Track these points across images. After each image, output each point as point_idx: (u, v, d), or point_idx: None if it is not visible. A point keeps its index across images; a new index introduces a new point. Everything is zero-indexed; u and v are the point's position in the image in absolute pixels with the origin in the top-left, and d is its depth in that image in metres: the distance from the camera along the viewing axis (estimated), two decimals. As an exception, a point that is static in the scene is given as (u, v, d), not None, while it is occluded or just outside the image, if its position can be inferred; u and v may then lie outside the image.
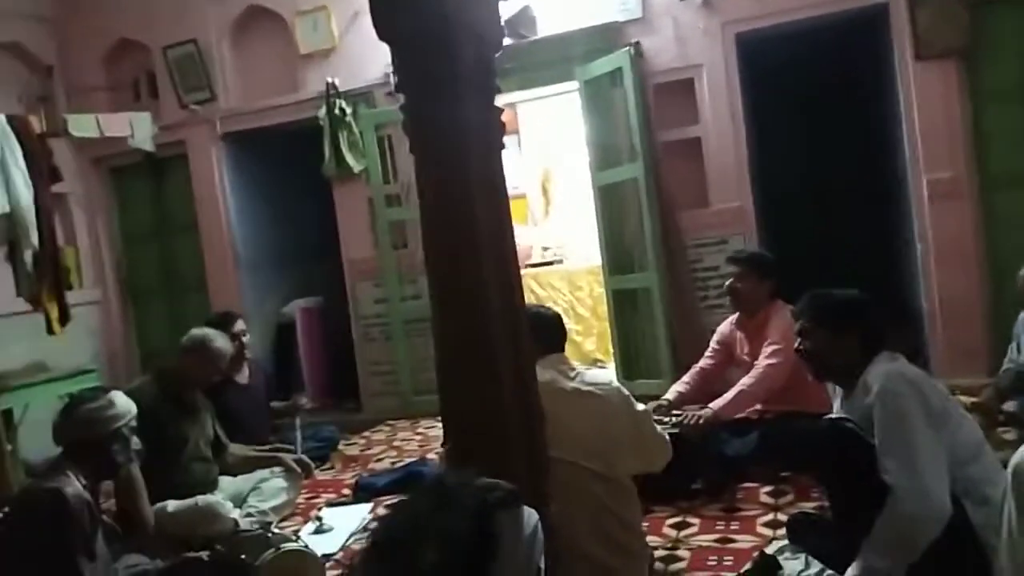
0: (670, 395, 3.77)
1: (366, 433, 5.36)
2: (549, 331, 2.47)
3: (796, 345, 2.51)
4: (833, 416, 2.47)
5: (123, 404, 2.51)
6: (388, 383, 5.84)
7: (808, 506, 3.10)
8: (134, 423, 2.52)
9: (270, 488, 3.65)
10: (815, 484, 3.25)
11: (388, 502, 3.78)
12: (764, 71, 5.32)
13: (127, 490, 2.94)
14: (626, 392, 2.53)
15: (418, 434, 5.18)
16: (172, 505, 3.26)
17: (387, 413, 5.71)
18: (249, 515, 3.40)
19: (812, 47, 5.36)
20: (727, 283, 3.77)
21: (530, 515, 1.06)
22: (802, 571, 2.45)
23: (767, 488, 3.35)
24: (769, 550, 2.64)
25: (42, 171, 4.72)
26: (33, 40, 6.06)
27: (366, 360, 5.96)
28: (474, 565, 0.95)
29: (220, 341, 3.70)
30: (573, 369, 2.49)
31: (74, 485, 2.29)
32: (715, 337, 3.95)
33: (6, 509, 2.41)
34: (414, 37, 1.82)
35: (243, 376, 4.35)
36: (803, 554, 2.54)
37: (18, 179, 4.52)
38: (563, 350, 2.54)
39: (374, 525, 1.08)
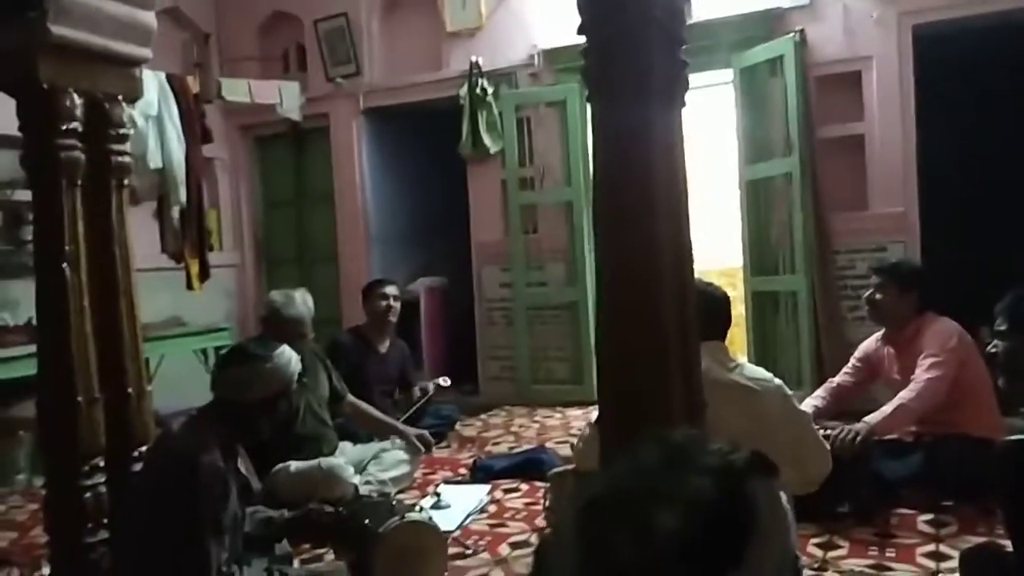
0: (806, 409, 3.48)
1: (483, 416, 5.28)
2: (714, 314, 2.26)
3: (988, 348, 2.21)
4: (1016, 438, 2.18)
5: (285, 370, 2.31)
6: (507, 369, 5.75)
7: (974, 539, 2.76)
8: (292, 389, 2.38)
9: (390, 459, 3.61)
10: (982, 515, 2.92)
11: (506, 485, 3.67)
12: (938, 67, 4.89)
13: None
14: (788, 391, 2.31)
15: (535, 422, 5.05)
16: (295, 466, 3.24)
17: (504, 398, 5.62)
18: (368, 483, 3.35)
19: (994, 44, 4.88)
20: (866, 295, 3.46)
21: (783, 488, 0.87)
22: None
23: (925, 516, 3.01)
24: (936, 584, 2.36)
25: (195, 131, 4.85)
26: (192, 7, 6.27)
27: (486, 344, 5.89)
28: (727, 538, 0.77)
29: (293, 307, 3.53)
30: (732, 360, 2.28)
31: (211, 452, 2.18)
32: (857, 353, 3.63)
33: (144, 456, 2.38)
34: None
35: (384, 345, 4.36)
36: (978, 593, 2.24)
37: (172, 137, 4.66)
38: (725, 338, 2.33)
39: (593, 481, 0.89)
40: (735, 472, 0.81)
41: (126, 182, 2.71)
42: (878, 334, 3.55)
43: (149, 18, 2.65)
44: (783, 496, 0.85)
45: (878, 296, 3.39)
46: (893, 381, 3.45)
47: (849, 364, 3.63)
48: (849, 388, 3.58)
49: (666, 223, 1.71)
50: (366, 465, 3.49)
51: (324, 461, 3.22)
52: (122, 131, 2.67)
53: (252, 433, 2.36)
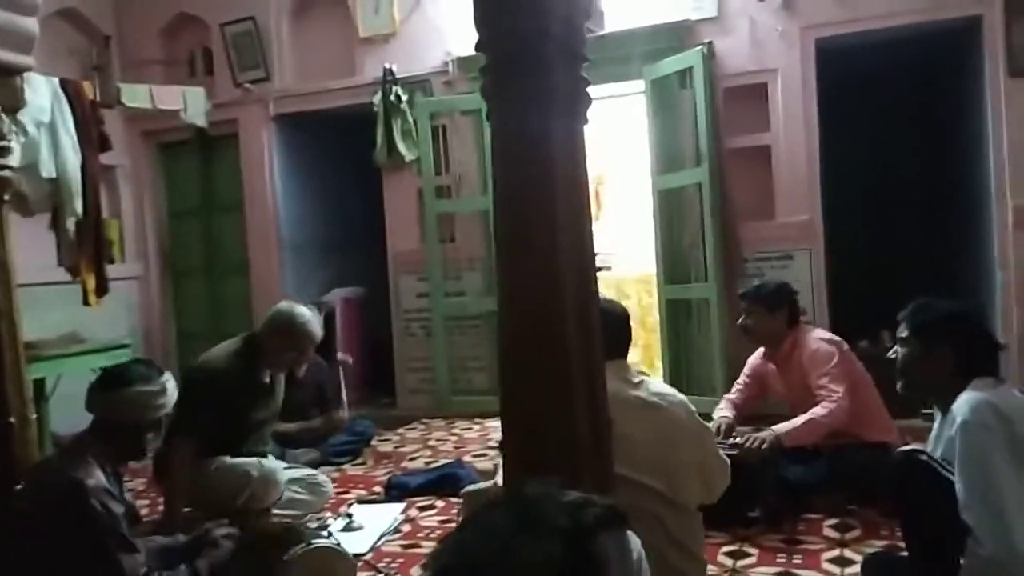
0: (726, 418, 3.54)
1: (400, 430, 5.19)
2: (615, 331, 2.24)
3: (888, 353, 2.28)
4: (907, 448, 2.25)
5: (171, 391, 2.36)
6: (425, 380, 5.68)
7: (877, 544, 2.85)
8: (171, 410, 2.39)
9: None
10: (884, 519, 3.01)
11: (422, 503, 3.61)
12: (841, 79, 5.05)
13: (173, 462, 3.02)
14: (692, 407, 2.31)
15: (453, 435, 4.99)
16: (231, 460, 3.19)
17: (422, 411, 5.55)
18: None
19: (895, 57, 5.09)
20: (739, 322, 3.57)
21: (633, 539, 0.85)
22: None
23: (831, 521, 3.09)
24: (840, 590, 2.41)
25: (92, 139, 4.62)
26: (91, 8, 5.99)
27: (404, 355, 5.80)
28: None
29: (313, 324, 3.37)
30: (636, 376, 2.26)
31: (95, 476, 2.15)
32: (745, 370, 3.72)
33: (23, 485, 2.28)
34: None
35: (301, 369, 4.24)
36: (879, 598, 2.31)
37: (67, 144, 4.43)
38: (627, 355, 2.32)
39: (440, 548, 0.84)
40: (585, 530, 0.80)
41: (6, 198, 2.57)
42: (761, 351, 3.65)
43: (30, 24, 2.50)
44: (635, 544, 0.84)
45: (749, 321, 3.51)
46: (778, 394, 3.57)
47: (740, 380, 3.71)
48: (742, 404, 3.66)
49: (568, 240, 1.69)
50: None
51: (265, 461, 3.22)
52: (2, 144, 2.53)
53: (136, 454, 2.36)
